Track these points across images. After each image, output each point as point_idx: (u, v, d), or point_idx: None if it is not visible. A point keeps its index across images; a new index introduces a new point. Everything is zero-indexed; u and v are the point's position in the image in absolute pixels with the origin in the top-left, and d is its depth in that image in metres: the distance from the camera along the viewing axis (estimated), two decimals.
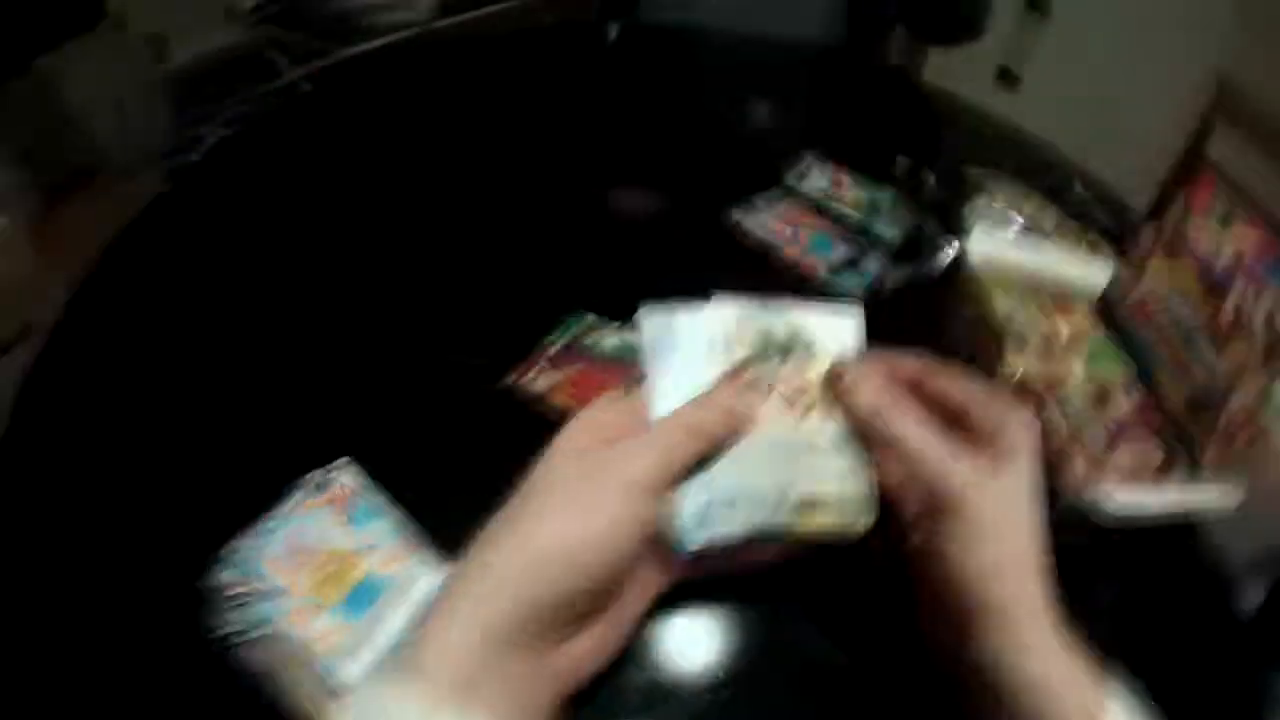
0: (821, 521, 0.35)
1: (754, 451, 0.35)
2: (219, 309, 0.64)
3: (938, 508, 0.33)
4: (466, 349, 0.62)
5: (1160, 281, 0.69)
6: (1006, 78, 2.45)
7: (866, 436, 0.36)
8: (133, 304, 0.65)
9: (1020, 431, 0.35)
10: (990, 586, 0.32)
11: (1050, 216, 0.92)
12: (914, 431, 0.35)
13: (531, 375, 0.61)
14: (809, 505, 0.35)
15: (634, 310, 0.39)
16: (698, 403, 0.35)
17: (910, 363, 0.39)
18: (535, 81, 1.00)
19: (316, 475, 0.48)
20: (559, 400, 0.59)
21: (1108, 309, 0.75)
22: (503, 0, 2.29)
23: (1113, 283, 0.75)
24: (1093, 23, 2.44)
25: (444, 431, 0.56)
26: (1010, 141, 1.16)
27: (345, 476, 0.48)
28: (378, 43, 2.08)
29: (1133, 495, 0.53)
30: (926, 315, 0.72)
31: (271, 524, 0.46)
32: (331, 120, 0.89)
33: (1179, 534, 0.56)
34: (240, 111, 2.00)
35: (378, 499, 0.47)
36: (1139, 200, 1.22)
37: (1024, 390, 0.63)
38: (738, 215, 0.80)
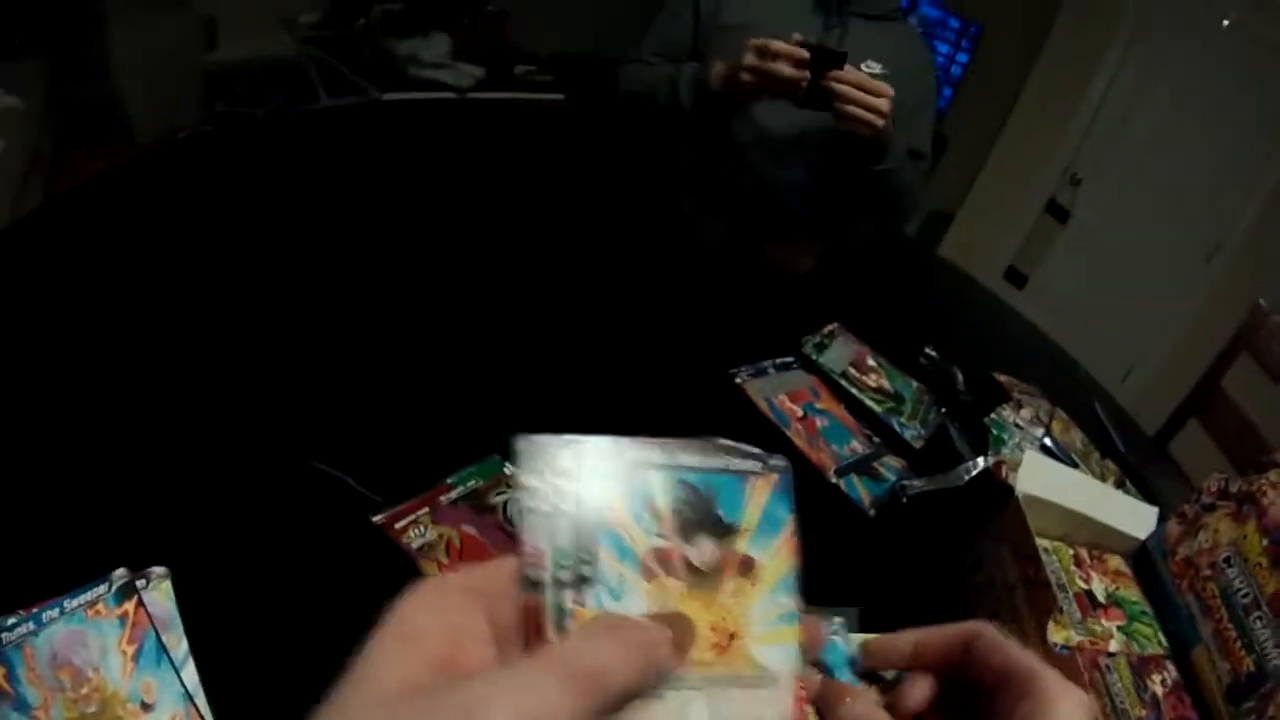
0: None
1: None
2: (92, 328, 0.54)
3: None
4: (344, 462, 0.48)
5: (1218, 543, 0.61)
6: (1014, 278, 2.48)
7: None
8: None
9: None
10: None
11: (1077, 439, 0.86)
12: None
13: (406, 522, 0.45)
14: None
15: None
16: (620, 625, 0.21)
17: (951, 639, 0.27)
18: (555, 172, 0.92)
19: (120, 575, 0.39)
20: (432, 566, 0.43)
21: (1145, 563, 0.67)
22: (537, 92, 2.38)
23: (1153, 534, 0.67)
24: (1110, 232, 2.41)
25: (285, 564, 0.43)
26: (1029, 342, 1.12)
27: (152, 592, 0.39)
28: (413, 95, 2.10)
29: None
30: (951, 540, 0.62)
31: (52, 611, 0.36)
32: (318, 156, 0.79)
33: None
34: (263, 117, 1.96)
35: (179, 641, 0.38)
36: (1150, 423, 1.18)
37: (1067, 667, 0.53)
38: (742, 377, 0.71)
